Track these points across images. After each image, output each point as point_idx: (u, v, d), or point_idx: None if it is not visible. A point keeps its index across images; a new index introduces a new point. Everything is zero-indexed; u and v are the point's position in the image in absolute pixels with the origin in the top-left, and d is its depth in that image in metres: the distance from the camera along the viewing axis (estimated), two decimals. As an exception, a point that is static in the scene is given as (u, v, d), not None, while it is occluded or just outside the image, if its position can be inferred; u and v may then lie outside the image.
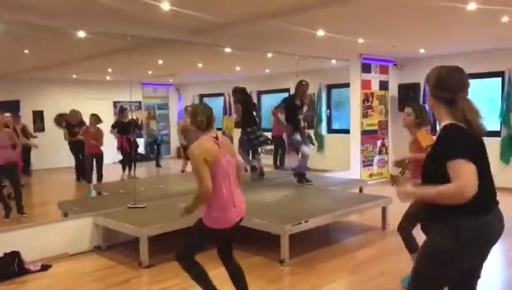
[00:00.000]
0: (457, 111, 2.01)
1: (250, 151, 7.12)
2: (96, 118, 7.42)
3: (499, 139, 7.86)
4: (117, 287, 3.95)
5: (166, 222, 4.60)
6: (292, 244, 4.39)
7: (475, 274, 2.17)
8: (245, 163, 6.96)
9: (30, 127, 9.04)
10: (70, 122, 8.06)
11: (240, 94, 6.95)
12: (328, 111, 10.46)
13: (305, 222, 4.56)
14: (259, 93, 11.11)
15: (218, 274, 4.17)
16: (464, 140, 1.98)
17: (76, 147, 7.97)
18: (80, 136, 7.42)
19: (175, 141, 10.86)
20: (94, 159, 7.38)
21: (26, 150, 8.19)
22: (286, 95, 10.75)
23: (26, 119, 9.23)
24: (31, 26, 4.78)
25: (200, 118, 3.03)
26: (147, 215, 4.93)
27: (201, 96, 12.27)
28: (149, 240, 4.35)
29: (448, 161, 1.91)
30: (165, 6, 4.36)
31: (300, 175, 6.64)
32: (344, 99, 9.62)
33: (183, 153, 8.37)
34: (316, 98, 10.38)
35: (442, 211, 2.00)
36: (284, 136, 7.98)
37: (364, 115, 8.59)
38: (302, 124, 6.63)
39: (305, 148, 6.53)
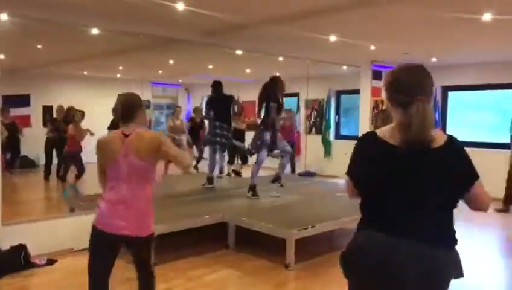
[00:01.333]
0: (406, 116, 1.66)
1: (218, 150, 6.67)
2: (83, 115, 7.26)
3: (509, 151, 7.78)
4: (120, 285, 3.93)
5: (170, 222, 4.60)
6: (297, 249, 4.37)
7: None
8: (209, 163, 6.55)
9: (39, 121, 9.08)
10: (55, 118, 8.04)
11: (213, 89, 6.57)
12: (337, 117, 10.45)
13: (312, 227, 4.54)
14: (268, 96, 11.11)
15: (222, 276, 4.18)
16: (356, 153, 1.81)
17: (53, 144, 7.98)
18: (71, 133, 7.16)
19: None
20: (73, 158, 7.25)
21: (14, 145, 8.16)
22: (295, 99, 10.79)
23: (36, 113, 9.29)
24: (44, 22, 4.81)
25: (115, 107, 2.70)
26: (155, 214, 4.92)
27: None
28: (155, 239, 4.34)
29: None
30: (180, 6, 4.37)
31: (252, 187, 5.86)
32: (353, 106, 9.60)
33: None
34: (325, 103, 10.38)
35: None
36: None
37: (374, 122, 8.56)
38: (278, 126, 6.02)
39: (263, 155, 5.84)
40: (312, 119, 10.72)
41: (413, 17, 4.84)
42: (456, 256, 1.73)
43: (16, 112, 8.54)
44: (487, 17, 4.61)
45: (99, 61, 8.08)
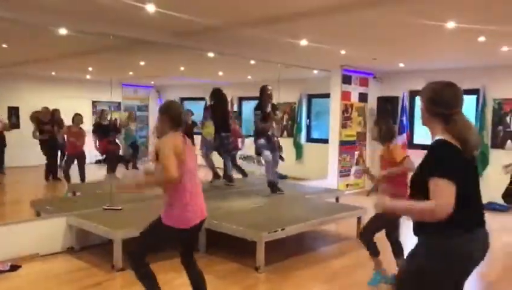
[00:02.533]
0: (453, 128, 1.98)
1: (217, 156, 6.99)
2: (80, 118, 7.56)
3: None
4: (89, 290, 3.88)
5: (141, 225, 4.54)
6: (268, 252, 4.40)
7: None
8: (209, 167, 6.92)
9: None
10: (40, 120, 7.94)
11: (214, 96, 6.79)
12: (308, 120, 10.57)
13: (282, 229, 4.58)
14: (241, 99, 11.15)
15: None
16: (452, 159, 1.95)
17: (46, 145, 7.90)
18: (64, 134, 7.44)
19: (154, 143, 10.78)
20: (76, 159, 7.42)
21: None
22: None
23: (1, 114, 9.02)
24: (10, 21, 4.68)
25: (174, 114, 3.02)
26: (123, 218, 4.86)
27: (182, 99, 12.22)
28: (123, 243, 4.29)
29: (431, 177, 1.90)
30: (150, 8, 4.34)
31: (271, 184, 6.38)
32: (324, 109, 9.74)
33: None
34: (296, 107, 10.49)
35: (430, 227, 1.95)
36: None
37: (343, 126, 8.71)
38: (270, 132, 6.35)
39: (267, 153, 6.23)
40: (284, 123, 10.80)
41: (381, 23, 4.96)
42: None
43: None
44: (451, 24, 4.78)
45: (68, 61, 7.91)
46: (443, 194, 1.87)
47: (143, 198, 5.86)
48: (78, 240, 4.85)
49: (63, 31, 5.09)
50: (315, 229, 5.71)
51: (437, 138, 2.02)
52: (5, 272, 4.16)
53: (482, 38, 5.45)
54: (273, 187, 6.38)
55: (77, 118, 7.58)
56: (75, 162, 7.58)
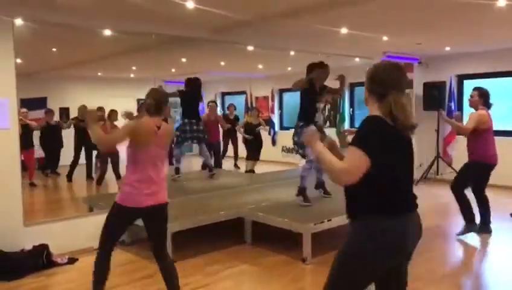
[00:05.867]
0: (385, 106, 2.00)
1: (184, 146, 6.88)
2: (116, 114, 7.61)
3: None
4: (140, 282, 4.02)
5: (189, 218, 4.65)
6: (314, 243, 4.38)
7: (396, 280, 2.16)
8: (174, 160, 6.63)
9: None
10: (78, 118, 8.24)
11: (188, 84, 7.03)
12: (351, 109, 10.39)
13: (328, 220, 4.55)
14: (281, 91, 11.11)
15: (239, 271, 4.22)
16: (374, 132, 1.98)
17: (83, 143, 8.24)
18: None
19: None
20: (109, 159, 7.43)
21: (54, 148, 8.42)
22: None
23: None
24: (58, 25, 4.88)
25: (149, 101, 3.07)
26: (170, 212, 4.96)
27: (223, 93, 12.34)
28: (172, 236, 4.40)
29: (350, 146, 1.98)
30: (190, 5, 4.40)
31: (301, 190, 5.19)
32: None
33: None
34: (338, 96, 10.32)
35: (358, 207, 2.09)
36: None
37: (388, 114, 8.48)
38: (319, 120, 5.27)
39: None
40: (326, 113, 10.67)
41: (425, 5, 4.77)
42: None
43: (33, 114, 8.70)
44: (501, 3, 4.53)
45: (113, 61, 8.17)
46: (354, 162, 1.93)
47: (192, 192, 5.99)
48: (128, 233, 5.01)
49: (107, 32, 5.25)
50: (361, 220, 5.61)
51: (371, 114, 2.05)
52: (64, 265, 4.39)
53: (536, 16, 5.14)
54: (301, 193, 5.24)
55: (113, 115, 7.61)
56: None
